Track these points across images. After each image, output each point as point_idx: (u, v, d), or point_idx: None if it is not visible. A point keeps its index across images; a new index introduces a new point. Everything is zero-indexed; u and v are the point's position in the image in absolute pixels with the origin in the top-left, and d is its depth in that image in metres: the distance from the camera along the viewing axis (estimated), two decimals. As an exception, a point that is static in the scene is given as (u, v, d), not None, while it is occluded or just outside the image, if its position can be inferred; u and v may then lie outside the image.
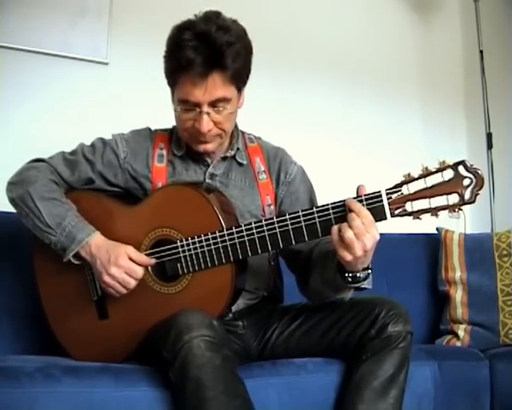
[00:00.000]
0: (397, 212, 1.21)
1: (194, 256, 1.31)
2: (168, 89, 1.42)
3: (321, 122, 2.59)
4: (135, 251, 1.33)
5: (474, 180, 1.17)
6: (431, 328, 2.18)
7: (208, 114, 1.35)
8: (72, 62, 2.17)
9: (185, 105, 1.36)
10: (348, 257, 1.19)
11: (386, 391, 1.29)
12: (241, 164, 1.50)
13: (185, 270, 1.32)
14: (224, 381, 1.15)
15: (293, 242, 1.27)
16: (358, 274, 1.25)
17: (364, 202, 1.21)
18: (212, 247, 1.30)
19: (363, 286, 1.29)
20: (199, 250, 1.31)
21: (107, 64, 2.23)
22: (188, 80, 1.32)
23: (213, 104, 1.35)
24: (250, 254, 1.30)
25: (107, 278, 1.31)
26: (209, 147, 1.41)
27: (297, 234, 1.27)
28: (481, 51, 2.66)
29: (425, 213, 1.19)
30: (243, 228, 1.29)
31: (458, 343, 2.05)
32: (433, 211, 1.19)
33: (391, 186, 1.21)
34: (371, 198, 1.21)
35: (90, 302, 1.40)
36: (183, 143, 1.48)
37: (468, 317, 2.08)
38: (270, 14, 2.51)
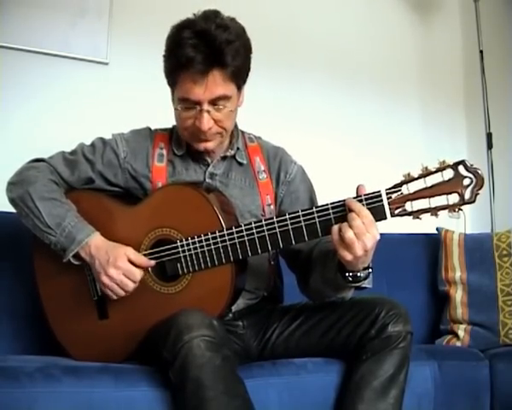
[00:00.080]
0: (397, 212, 1.21)
1: (194, 256, 1.31)
2: (168, 89, 1.42)
3: (320, 122, 2.59)
4: (134, 252, 1.33)
5: (474, 180, 1.17)
6: (431, 328, 2.18)
7: (208, 112, 1.35)
8: (72, 62, 2.17)
9: (185, 103, 1.36)
10: (348, 257, 1.19)
11: (386, 391, 1.29)
12: (241, 164, 1.50)
13: (185, 270, 1.32)
14: (223, 381, 1.15)
15: (293, 242, 1.27)
16: (359, 274, 1.25)
17: (364, 202, 1.21)
18: (212, 247, 1.30)
19: (363, 286, 1.29)
20: (199, 250, 1.31)
21: (107, 64, 2.23)
22: (188, 78, 1.32)
23: (213, 102, 1.35)
24: (250, 254, 1.30)
25: (105, 279, 1.31)
26: (209, 145, 1.41)
27: (297, 234, 1.27)
28: (481, 51, 2.66)
29: (425, 212, 1.19)
30: (243, 228, 1.29)
31: (458, 343, 2.05)
32: (433, 211, 1.19)
33: (391, 186, 1.21)
34: (371, 198, 1.21)
35: (90, 302, 1.40)
36: (183, 142, 1.48)
37: (468, 317, 2.08)
38: (270, 14, 2.51)
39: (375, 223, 1.20)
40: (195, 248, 1.31)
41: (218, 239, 1.29)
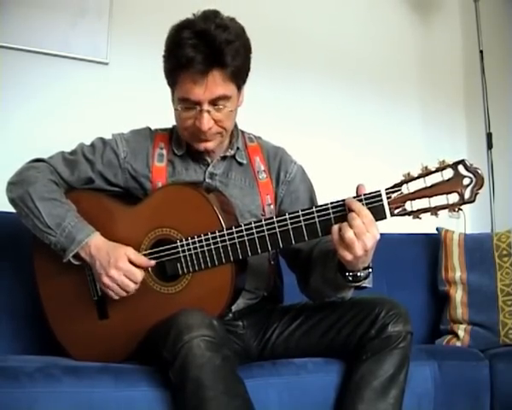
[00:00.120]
0: (396, 211, 1.21)
1: (194, 256, 1.31)
2: (168, 89, 1.42)
3: (320, 122, 2.59)
4: (135, 253, 1.33)
5: (474, 179, 1.16)
6: (431, 328, 2.18)
7: (209, 112, 1.35)
8: (72, 62, 2.18)
9: (185, 104, 1.36)
10: (349, 256, 1.19)
11: (386, 391, 1.29)
12: (240, 163, 1.50)
13: (185, 270, 1.32)
14: (223, 381, 1.15)
15: (293, 241, 1.27)
16: (359, 273, 1.25)
17: (364, 202, 1.21)
18: (212, 247, 1.30)
19: (363, 285, 1.28)
20: (199, 250, 1.31)
21: (107, 64, 2.23)
22: (188, 78, 1.32)
23: (214, 102, 1.35)
24: (250, 253, 1.30)
25: (106, 280, 1.31)
26: (210, 145, 1.41)
27: (297, 234, 1.26)
28: (481, 51, 2.67)
29: (425, 212, 1.19)
30: (243, 228, 1.29)
31: (458, 343, 2.05)
32: (433, 210, 1.19)
33: (390, 186, 1.21)
34: (371, 197, 1.21)
35: (90, 302, 1.40)
36: (183, 142, 1.48)
37: (468, 317, 2.08)
38: (270, 14, 2.51)
39: (375, 222, 1.19)
40: (195, 248, 1.31)
41: (218, 239, 1.29)
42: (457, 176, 1.17)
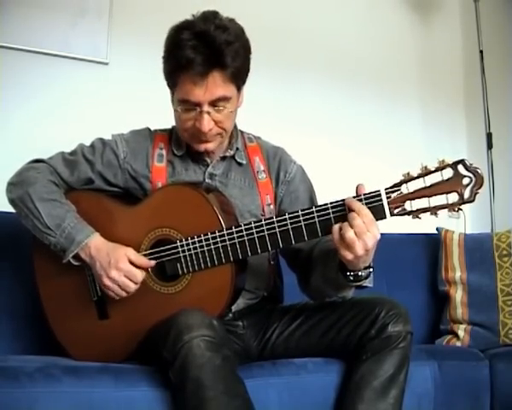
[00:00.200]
0: (396, 211, 1.21)
1: (193, 256, 1.31)
2: (168, 89, 1.42)
3: (320, 122, 2.59)
4: (135, 253, 1.33)
5: (474, 179, 1.16)
6: (431, 328, 2.18)
7: (209, 113, 1.35)
8: (72, 62, 2.18)
9: (185, 105, 1.36)
10: (349, 256, 1.19)
11: (386, 391, 1.29)
12: (240, 164, 1.50)
13: (185, 270, 1.32)
14: (224, 381, 1.15)
15: (293, 241, 1.27)
16: (360, 273, 1.25)
17: (364, 202, 1.21)
18: (212, 247, 1.30)
19: (364, 285, 1.29)
20: (198, 250, 1.31)
21: (107, 64, 2.23)
22: (188, 80, 1.32)
23: (214, 103, 1.35)
24: (250, 253, 1.30)
25: (107, 281, 1.31)
26: (210, 146, 1.42)
27: (296, 234, 1.26)
28: (481, 51, 2.67)
29: (424, 212, 1.19)
30: (243, 228, 1.29)
31: (458, 343, 2.05)
32: (433, 210, 1.19)
33: (390, 185, 1.21)
34: (371, 197, 1.21)
35: (90, 302, 1.40)
36: (182, 143, 1.48)
37: (468, 317, 2.08)
38: (269, 14, 2.51)
39: (375, 222, 1.20)
40: (195, 248, 1.31)
41: (218, 239, 1.29)
42: (457, 176, 1.17)
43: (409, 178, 1.19)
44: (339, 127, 2.64)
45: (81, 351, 1.40)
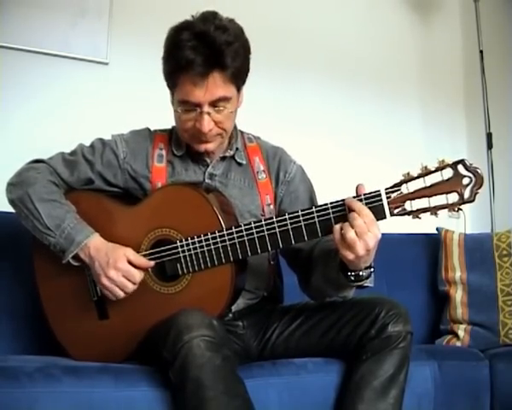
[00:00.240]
0: (396, 211, 1.21)
1: (193, 256, 1.31)
2: (168, 89, 1.42)
3: (320, 122, 2.59)
4: (134, 253, 1.33)
5: (474, 179, 1.16)
6: (431, 328, 2.18)
7: (209, 113, 1.35)
8: (72, 62, 2.18)
9: (186, 106, 1.36)
10: (350, 256, 1.19)
11: (386, 391, 1.29)
12: (240, 164, 1.50)
13: (185, 270, 1.32)
14: (223, 381, 1.15)
15: (293, 241, 1.27)
16: (361, 273, 1.25)
17: (364, 202, 1.21)
18: (212, 247, 1.30)
19: (365, 285, 1.28)
20: (198, 250, 1.31)
21: (107, 64, 2.23)
22: (188, 81, 1.32)
23: (214, 104, 1.35)
24: (250, 254, 1.30)
25: (105, 281, 1.31)
26: (210, 147, 1.42)
27: (296, 234, 1.26)
28: (481, 51, 2.67)
29: (424, 212, 1.19)
30: (243, 228, 1.29)
31: (458, 343, 2.05)
32: (433, 210, 1.19)
33: (390, 185, 1.21)
34: (370, 197, 1.21)
35: (90, 303, 1.40)
36: (182, 143, 1.48)
37: (468, 317, 2.08)
38: (269, 14, 2.51)
39: (376, 222, 1.19)
40: (195, 249, 1.31)
41: (218, 239, 1.29)
42: (457, 175, 1.17)
43: (409, 178, 1.19)
44: (339, 127, 2.64)
45: (81, 351, 1.40)
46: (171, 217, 1.35)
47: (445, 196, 1.18)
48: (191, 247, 1.31)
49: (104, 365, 1.28)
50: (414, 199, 1.19)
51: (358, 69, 2.69)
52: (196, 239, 1.31)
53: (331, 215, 1.24)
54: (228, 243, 1.29)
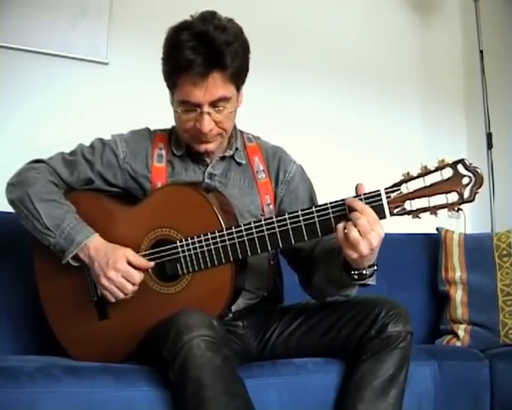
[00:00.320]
0: (396, 211, 1.21)
1: (193, 256, 1.31)
2: (167, 90, 1.42)
3: (320, 122, 2.59)
4: (133, 254, 1.33)
5: (474, 179, 1.16)
6: (431, 328, 2.18)
7: (209, 113, 1.35)
8: (72, 62, 2.18)
9: (186, 106, 1.36)
10: (354, 255, 1.19)
11: (386, 391, 1.29)
12: (239, 164, 1.50)
13: (185, 270, 1.32)
14: (224, 381, 1.15)
15: (293, 241, 1.27)
16: (364, 271, 1.25)
17: (364, 201, 1.21)
18: (212, 247, 1.30)
19: (368, 283, 1.28)
20: (198, 250, 1.31)
21: (107, 64, 2.23)
22: (188, 81, 1.32)
23: (214, 104, 1.35)
24: (250, 253, 1.30)
25: (104, 282, 1.31)
26: (210, 147, 1.42)
27: (296, 234, 1.26)
28: (481, 51, 2.67)
29: (424, 211, 1.19)
30: (243, 228, 1.29)
31: (458, 343, 2.05)
32: (433, 210, 1.19)
33: (390, 185, 1.21)
34: (370, 197, 1.21)
35: (90, 303, 1.40)
36: (182, 143, 1.48)
37: (468, 317, 2.08)
38: (269, 14, 2.51)
39: (378, 221, 1.19)
40: (195, 249, 1.31)
41: (218, 239, 1.29)
42: (457, 175, 1.17)
43: (409, 178, 1.19)
44: (339, 127, 2.64)
45: (81, 351, 1.40)
46: (170, 217, 1.35)
47: (444, 195, 1.18)
48: (191, 247, 1.31)
49: (104, 365, 1.28)
50: (414, 199, 1.19)
51: (358, 69, 2.69)
52: (196, 239, 1.31)
53: (331, 215, 1.24)
54: (228, 242, 1.29)
